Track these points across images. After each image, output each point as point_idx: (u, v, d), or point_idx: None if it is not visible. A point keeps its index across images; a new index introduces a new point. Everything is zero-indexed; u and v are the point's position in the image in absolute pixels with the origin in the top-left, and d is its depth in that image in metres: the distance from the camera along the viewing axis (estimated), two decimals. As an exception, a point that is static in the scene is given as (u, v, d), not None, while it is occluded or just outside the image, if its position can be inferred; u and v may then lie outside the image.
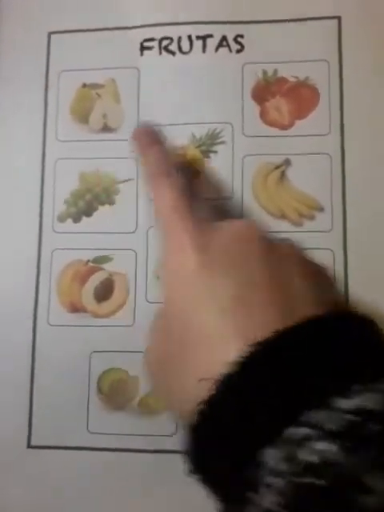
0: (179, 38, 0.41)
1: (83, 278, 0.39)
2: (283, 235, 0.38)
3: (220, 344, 0.24)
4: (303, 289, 0.26)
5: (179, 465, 0.36)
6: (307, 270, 0.27)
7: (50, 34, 0.41)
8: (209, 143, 0.39)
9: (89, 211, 0.40)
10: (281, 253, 0.28)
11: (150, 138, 0.37)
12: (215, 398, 0.22)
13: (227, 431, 0.22)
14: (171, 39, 0.41)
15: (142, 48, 0.41)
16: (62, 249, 0.39)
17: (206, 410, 0.22)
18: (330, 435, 0.20)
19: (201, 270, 0.27)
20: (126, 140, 0.40)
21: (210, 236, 0.28)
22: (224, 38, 0.41)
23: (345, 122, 0.38)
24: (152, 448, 0.37)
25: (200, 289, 0.26)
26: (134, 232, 0.39)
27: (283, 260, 0.27)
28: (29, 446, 0.37)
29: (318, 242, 0.38)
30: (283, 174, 0.39)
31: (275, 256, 0.27)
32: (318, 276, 0.28)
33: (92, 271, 0.39)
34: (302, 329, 0.23)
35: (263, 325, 0.23)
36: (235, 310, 0.25)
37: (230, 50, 0.40)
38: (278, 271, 0.26)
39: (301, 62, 0.40)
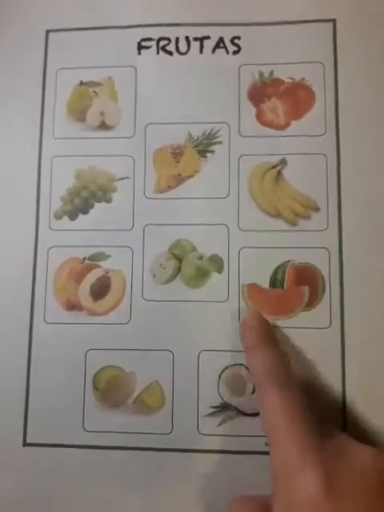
0: (177, 39, 0.41)
1: (79, 276, 0.39)
2: (279, 234, 0.38)
3: None
4: None
5: (175, 462, 0.36)
6: None
7: (47, 31, 0.42)
8: (206, 143, 0.40)
9: (85, 208, 0.40)
10: None
11: (259, 336, 0.35)
12: None
13: None
14: (169, 40, 0.41)
15: (140, 47, 0.41)
16: (59, 246, 0.39)
17: None
18: None
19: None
20: (123, 138, 0.40)
21: (338, 472, 0.26)
22: (221, 40, 0.41)
23: (340, 122, 0.39)
24: (148, 446, 0.37)
25: None
26: (130, 229, 0.39)
27: None
28: (24, 444, 0.37)
29: (314, 241, 0.38)
30: (279, 174, 0.39)
31: None
32: None
33: (88, 269, 0.39)
34: None
35: None
36: None
37: (227, 52, 0.41)
38: None
39: (296, 63, 0.40)
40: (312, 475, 0.26)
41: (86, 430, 0.37)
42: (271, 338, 0.35)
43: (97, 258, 0.39)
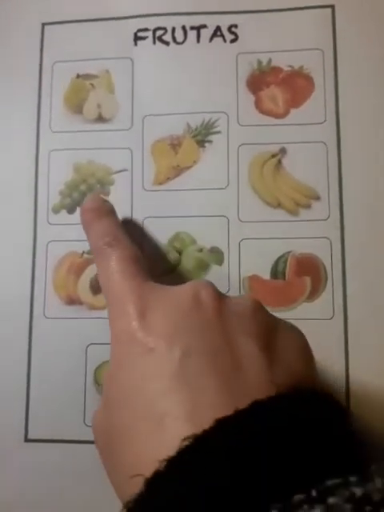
0: (173, 29, 0.41)
1: (79, 270, 0.39)
2: (280, 224, 0.38)
3: (156, 431, 0.22)
4: (258, 360, 0.24)
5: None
6: (265, 334, 0.25)
7: (43, 24, 0.41)
8: (204, 133, 0.39)
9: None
10: (234, 314, 0.26)
11: (95, 213, 0.35)
12: (143, 499, 0.20)
13: None
14: (165, 29, 0.41)
15: (136, 38, 0.41)
16: (57, 241, 0.39)
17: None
18: None
19: (141, 339, 0.25)
20: (121, 130, 0.40)
21: (153, 298, 0.27)
22: (218, 28, 0.40)
23: (340, 109, 0.38)
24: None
25: (140, 362, 0.25)
26: (129, 223, 0.39)
27: (235, 323, 0.25)
28: (26, 439, 0.37)
29: (315, 230, 0.37)
30: (279, 163, 0.38)
31: (226, 319, 0.25)
32: (279, 340, 0.26)
33: (88, 263, 0.38)
34: (250, 417, 0.21)
35: (209, 408, 0.21)
36: (178, 388, 0.23)
37: (224, 40, 0.40)
38: (227, 338, 0.24)
39: (295, 50, 0.40)
40: (128, 310, 0.27)
41: (87, 425, 0.37)
42: (106, 213, 0.35)
43: (96, 251, 0.39)
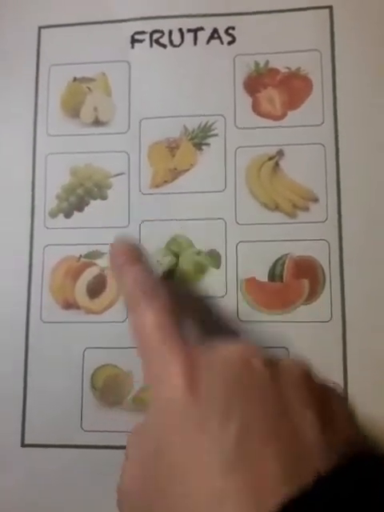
0: (170, 31, 0.40)
1: (76, 274, 0.38)
2: (278, 227, 0.37)
3: (216, 509, 0.21)
4: (314, 427, 0.23)
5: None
6: (318, 401, 0.24)
7: (40, 28, 0.41)
8: (201, 135, 0.39)
9: (80, 206, 0.39)
10: (287, 381, 0.24)
11: (127, 256, 0.34)
12: None
13: None
14: (162, 32, 0.41)
15: (133, 41, 0.41)
16: (54, 244, 0.39)
17: None
18: None
19: (194, 414, 0.23)
20: (118, 133, 0.39)
21: (202, 366, 0.25)
22: (215, 31, 0.40)
23: (338, 111, 0.38)
24: (147, 444, 0.36)
25: (193, 437, 0.23)
26: (126, 226, 0.38)
27: (290, 391, 0.24)
28: (23, 444, 0.37)
29: (313, 232, 0.37)
30: (277, 165, 0.38)
31: (281, 387, 0.24)
32: (330, 406, 0.25)
33: (84, 267, 0.38)
34: (316, 495, 0.20)
35: (271, 482, 0.20)
36: (237, 464, 0.21)
37: (222, 42, 0.40)
38: (283, 406, 0.23)
39: (292, 52, 0.39)
40: (175, 370, 0.25)
41: (84, 430, 0.36)
42: (139, 257, 0.34)
43: (93, 255, 0.38)
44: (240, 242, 0.37)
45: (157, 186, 0.39)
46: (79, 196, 0.39)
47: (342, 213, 0.37)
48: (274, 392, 0.24)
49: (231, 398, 0.23)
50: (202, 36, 0.40)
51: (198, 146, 0.39)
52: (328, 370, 0.36)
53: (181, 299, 0.37)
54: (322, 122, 0.38)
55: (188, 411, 0.23)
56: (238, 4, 0.40)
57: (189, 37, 0.40)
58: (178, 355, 0.26)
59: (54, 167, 0.40)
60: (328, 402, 0.25)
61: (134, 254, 0.34)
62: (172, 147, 0.39)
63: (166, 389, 0.25)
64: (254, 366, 0.25)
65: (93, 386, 0.37)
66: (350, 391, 0.35)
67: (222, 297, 0.37)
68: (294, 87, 0.39)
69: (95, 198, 0.39)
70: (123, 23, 0.41)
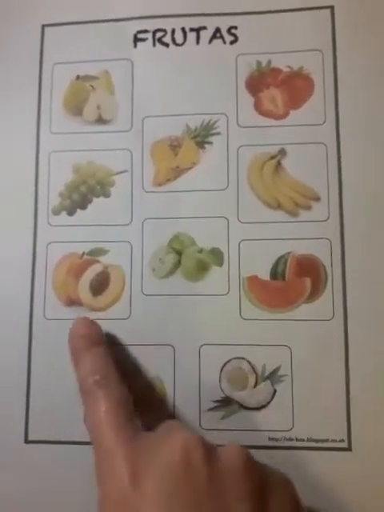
0: (173, 30, 0.41)
1: (79, 271, 0.39)
2: (280, 225, 0.38)
3: None
4: None
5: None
6: (256, 495, 0.25)
7: (43, 26, 0.41)
8: (204, 134, 0.39)
9: (83, 203, 0.39)
10: (225, 475, 0.26)
11: (86, 340, 0.34)
12: None
13: None
14: (165, 31, 0.41)
15: (136, 40, 0.41)
16: (57, 242, 0.39)
17: None
18: None
19: (134, 505, 0.25)
20: (121, 131, 0.40)
21: (144, 461, 0.26)
22: (218, 30, 0.40)
23: (340, 110, 0.38)
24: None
25: None
26: (129, 224, 0.39)
27: (228, 487, 0.25)
28: (26, 441, 0.37)
29: (315, 231, 0.37)
30: (279, 164, 0.38)
31: (218, 484, 0.25)
32: (272, 496, 0.26)
33: (88, 264, 0.39)
34: None
35: None
36: None
37: (224, 42, 0.40)
38: (222, 505, 0.25)
39: (295, 52, 0.40)
40: (119, 471, 0.26)
41: (87, 427, 0.37)
42: (97, 341, 0.35)
43: (96, 253, 0.39)
44: (242, 240, 0.38)
45: (159, 184, 0.39)
46: (82, 193, 0.39)
47: (344, 211, 0.37)
48: (212, 491, 0.25)
49: (170, 496, 0.25)
50: (205, 35, 0.40)
51: (201, 144, 0.39)
52: (330, 368, 0.36)
53: (181, 299, 0.37)
54: (324, 122, 0.38)
55: (129, 502, 0.25)
56: (241, 4, 0.40)
57: (191, 36, 0.41)
58: (123, 445, 0.27)
59: (57, 165, 0.40)
60: (269, 492, 0.26)
61: (92, 337, 0.34)
62: (174, 145, 0.39)
63: (112, 481, 0.26)
64: (194, 465, 0.26)
65: (96, 383, 0.37)
66: (351, 389, 0.35)
67: (225, 295, 0.37)
68: (296, 87, 0.39)
69: (98, 196, 0.39)
70: (126, 22, 0.41)
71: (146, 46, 0.41)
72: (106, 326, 0.37)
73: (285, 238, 0.37)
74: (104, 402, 0.30)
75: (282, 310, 0.37)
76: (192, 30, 0.41)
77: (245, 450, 0.27)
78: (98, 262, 0.39)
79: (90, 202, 0.39)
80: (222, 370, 0.37)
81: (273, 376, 0.36)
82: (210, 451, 0.27)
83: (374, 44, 0.39)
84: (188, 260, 0.38)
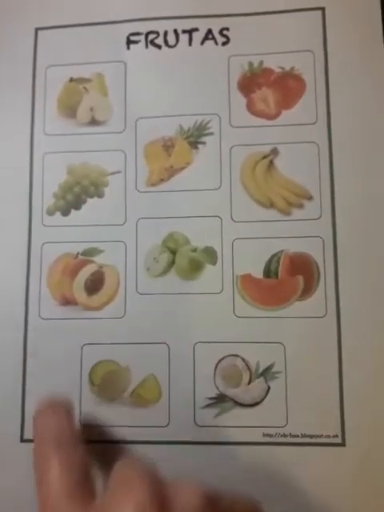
0: (165, 32, 0.41)
1: (73, 271, 0.39)
2: (273, 224, 0.38)
3: None
4: None
5: (173, 455, 0.36)
6: None
7: (36, 29, 0.42)
8: (196, 134, 0.40)
9: (77, 204, 0.40)
10: None
11: (52, 407, 0.31)
12: None
13: None
14: (157, 33, 0.41)
15: (129, 42, 0.41)
16: (52, 242, 0.39)
17: None
18: None
19: None
20: (114, 133, 0.40)
21: None
22: (209, 31, 0.41)
23: (331, 110, 0.39)
24: (145, 439, 0.36)
25: None
26: (123, 224, 0.39)
27: None
28: (22, 440, 0.37)
29: (308, 230, 0.38)
30: (271, 164, 0.39)
31: None
32: None
33: (82, 264, 0.39)
34: None
35: None
36: None
37: (216, 43, 0.41)
38: None
39: (286, 52, 0.40)
40: None
41: (82, 425, 0.37)
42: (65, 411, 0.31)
43: (90, 253, 0.39)
44: (236, 238, 0.38)
45: (153, 185, 0.39)
46: (76, 194, 0.40)
47: (336, 210, 0.38)
48: None
49: None
50: (197, 37, 0.41)
51: (194, 144, 0.40)
52: (323, 366, 0.36)
53: (175, 297, 0.38)
54: (316, 121, 0.39)
55: None
56: (233, 6, 0.41)
57: (184, 38, 0.41)
58: None
59: (51, 166, 0.40)
60: None
61: (60, 407, 0.32)
62: (168, 146, 0.40)
63: None
64: None
65: (91, 382, 0.37)
66: (344, 385, 0.36)
67: (218, 293, 0.38)
68: (288, 87, 0.40)
69: (92, 196, 0.40)
70: (119, 24, 0.41)
71: (138, 48, 0.41)
72: (101, 325, 0.38)
73: (277, 237, 0.38)
74: (58, 464, 0.27)
75: (276, 307, 0.37)
76: (184, 31, 0.41)
77: (201, 493, 0.25)
78: (92, 261, 0.39)
79: (84, 202, 0.40)
80: (216, 368, 0.37)
81: (267, 373, 0.36)
82: (163, 507, 0.24)
83: (363, 45, 0.39)
84: (182, 259, 0.38)
